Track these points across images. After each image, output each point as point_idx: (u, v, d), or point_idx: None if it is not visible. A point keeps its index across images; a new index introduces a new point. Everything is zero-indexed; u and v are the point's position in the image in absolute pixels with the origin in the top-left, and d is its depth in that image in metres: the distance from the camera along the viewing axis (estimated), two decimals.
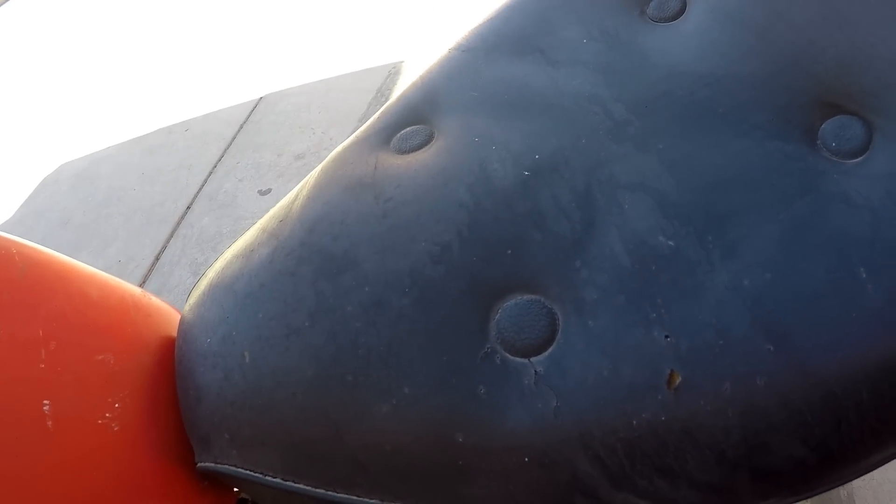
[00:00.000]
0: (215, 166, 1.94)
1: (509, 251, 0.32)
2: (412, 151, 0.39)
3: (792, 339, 0.28)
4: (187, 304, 0.42)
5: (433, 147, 0.39)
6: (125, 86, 2.52)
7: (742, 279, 0.30)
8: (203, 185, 1.90)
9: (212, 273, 0.41)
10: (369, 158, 0.40)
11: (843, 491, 1.22)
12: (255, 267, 0.37)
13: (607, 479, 0.29)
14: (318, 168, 0.42)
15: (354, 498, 0.31)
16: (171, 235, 1.79)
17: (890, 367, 0.28)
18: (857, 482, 1.21)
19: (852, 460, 0.29)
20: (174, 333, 0.41)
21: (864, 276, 0.29)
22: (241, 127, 2.06)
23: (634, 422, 0.28)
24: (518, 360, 0.30)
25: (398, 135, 0.41)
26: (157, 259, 1.74)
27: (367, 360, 0.31)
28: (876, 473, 1.21)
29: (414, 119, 0.42)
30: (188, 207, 1.85)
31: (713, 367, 0.28)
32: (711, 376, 0.28)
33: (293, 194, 0.41)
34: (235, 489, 0.41)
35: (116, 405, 0.36)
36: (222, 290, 0.38)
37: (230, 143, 2.01)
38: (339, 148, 0.43)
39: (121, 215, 1.91)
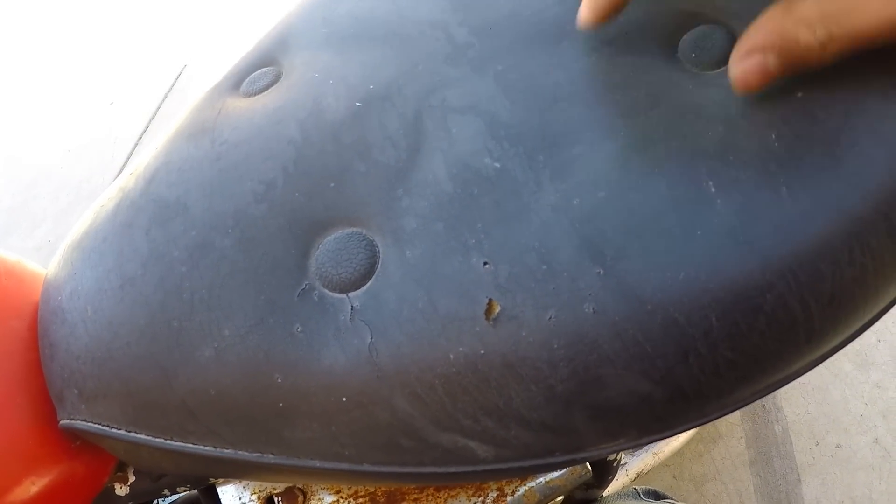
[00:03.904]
0: (140, 138, 1.89)
1: (332, 184, 0.31)
2: (258, 94, 0.38)
3: (624, 261, 0.25)
4: (50, 265, 0.41)
5: (277, 87, 0.38)
6: (47, 62, 2.43)
7: (571, 199, 0.27)
8: (129, 158, 1.84)
9: (70, 233, 0.40)
10: (216, 104, 0.39)
11: (777, 426, 1.23)
12: (100, 221, 0.36)
13: (429, 418, 0.27)
14: (175, 120, 0.41)
15: (190, 446, 0.31)
16: None
17: (742, 289, 0.24)
18: (791, 417, 1.21)
19: (711, 396, 0.26)
20: None
21: (713, 190, 0.25)
22: (166, 96, 2.01)
23: (452, 356, 0.26)
24: (336, 295, 0.28)
25: (247, 78, 0.40)
26: None
27: (191, 304, 0.30)
28: (811, 408, 1.22)
29: (265, 62, 0.41)
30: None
31: (535, 294, 0.26)
32: (534, 304, 0.25)
33: (149, 148, 0.40)
34: None
35: None
36: (73, 247, 0.37)
37: (155, 114, 1.95)
38: (195, 98, 0.42)
39: (48, 195, 1.86)
